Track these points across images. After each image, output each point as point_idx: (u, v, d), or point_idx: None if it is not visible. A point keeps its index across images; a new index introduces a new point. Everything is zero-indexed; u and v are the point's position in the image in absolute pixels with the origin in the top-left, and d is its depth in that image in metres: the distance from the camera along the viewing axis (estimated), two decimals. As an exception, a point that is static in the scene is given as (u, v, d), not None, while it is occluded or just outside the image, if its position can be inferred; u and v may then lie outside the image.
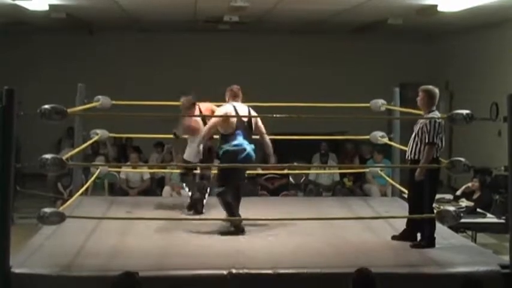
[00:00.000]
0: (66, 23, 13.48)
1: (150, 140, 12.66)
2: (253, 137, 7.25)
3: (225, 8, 11.78)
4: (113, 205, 8.33)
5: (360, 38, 15.89)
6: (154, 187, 11.97)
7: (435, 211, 6.30)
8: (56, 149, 13.47)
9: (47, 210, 5.66)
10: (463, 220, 6.42)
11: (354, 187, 11.98)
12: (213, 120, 7.23)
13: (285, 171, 11.65)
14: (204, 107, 7.88)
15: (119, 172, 11.51)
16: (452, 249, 6.26)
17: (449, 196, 9.73)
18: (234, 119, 7.06)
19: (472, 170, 6.26)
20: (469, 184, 9.91)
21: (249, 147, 7.10)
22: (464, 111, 5.88)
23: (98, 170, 9.43)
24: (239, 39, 15.99)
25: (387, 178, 9.59)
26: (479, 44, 14.47)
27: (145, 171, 11.62)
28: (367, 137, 9.54)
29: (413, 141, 6.49)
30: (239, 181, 7.33)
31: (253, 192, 11.59)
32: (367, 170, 11.12)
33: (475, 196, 9.74)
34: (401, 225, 7.02)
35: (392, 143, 9.08)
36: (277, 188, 11.77)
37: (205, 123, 7.49)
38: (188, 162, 7.79)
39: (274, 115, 7.04)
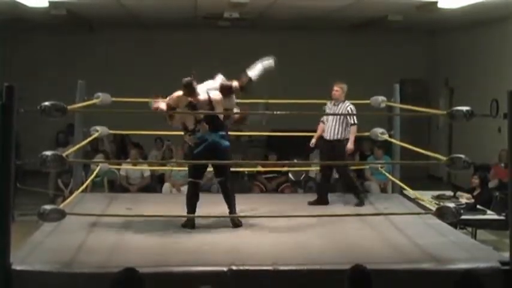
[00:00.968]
0: (66, 19, 13.47)
1: (150, 136, 12.67)
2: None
3: (225, 4, 11.78)
4: (113, 202, 8.34)
5: (360, 34, 15.89)
6: (154, 184, 11.97)
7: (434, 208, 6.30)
8: (54, 145, 13.46)
9: (47, 207, 5.67)
10: (463, 217, 6.44)
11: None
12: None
13: (285, 169, 11.66)
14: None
15: (118, 169, 11.52)
16: (452, 246, 6.26)
17: (450, 193, 9.74)
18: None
19: (472, 166, 6.26)
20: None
21: (213, 136, 7.05)
22: (465, 108, 5.88)
23: (98, 167, 9.43)
24: (239, 36, 15.99)
25: (387, 174, 9.59)
26: (479, 41, 14.47)
27: (146, 168, 11.63)
28: (367, 133, 9.54)
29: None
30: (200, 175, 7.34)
31: (249, 189, 11.63)
32: (367, 166, 11.13)
33: (475, 193, 9.75)
34: (401, 220, 7.04)
35: (392, 140, 9.08)
36: (277, 187, 11.78)
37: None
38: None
39: (274, 112, 7.04)
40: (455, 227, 7.66)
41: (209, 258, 5.74)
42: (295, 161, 11.85)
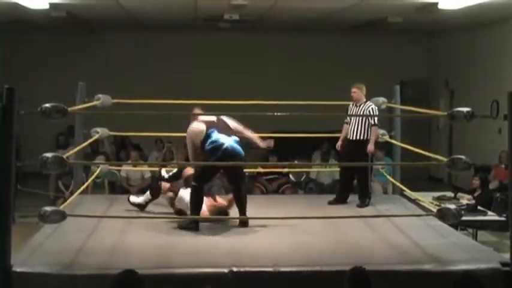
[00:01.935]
0: (67, 21, 13.48)
1: (151, 138, 12.68)
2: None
3: (225, 6, 11.79)
4: (113, 203, 8.33)
5: (360, 36, 15.90)
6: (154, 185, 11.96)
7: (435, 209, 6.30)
8: (55, 147, 13.47)
9: (48, 208, 5.66)
10: (463, 218, 6.43)
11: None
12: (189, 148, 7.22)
13: (286, 170, 11.66)
14: None
15: (119, 170, 11.52)
16: (453, 247, 6.26)
17: (450, 194, 9.73)
18: (203, 128, 7.03)
19: (473, 167, 6.26)
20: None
21: (229, 140, 6.99)
22: (465, 109, 5.87)
23: (99, 169, 9.43)
24: (240, 38, 16.00)
25: (388, 176, 9.59)
26: (480, 42, 14.47)
27: (146, 170, 11.63)
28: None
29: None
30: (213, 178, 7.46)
31: (249, 191, 11.62)
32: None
33: (476, 194, 9.75)
34: (402, 222, 7.03)
35: (393, 141, 9.08)
36: (277, 188, 11.78)
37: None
38: None
39: (275, 113, 7.03)
40: (456, 228, 7.66)
41: (210, 259, 5.74)
42: (296, 162, 11.85)
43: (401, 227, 6.88)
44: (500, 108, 5.99)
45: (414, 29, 15.29)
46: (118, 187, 11.62)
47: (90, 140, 8.79)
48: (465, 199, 9.40)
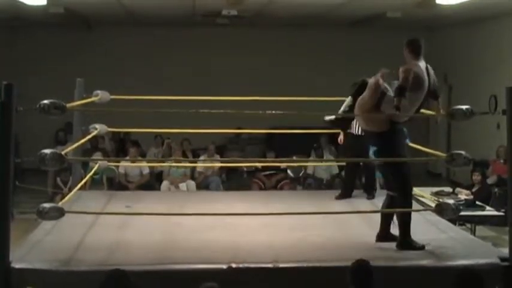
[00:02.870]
0: (64, 17, 13.46)
1: (149, 134, 12.68)
2: None
3: (223, 2, 11.79)
4: (112, 199, 8.32)
5: (359, 31, 15.89)
6: (153, 181, 11.98)
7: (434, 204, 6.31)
8: (53, 143, 13.46)
9: (46, 205, 5.65)
10: (462, 213, 6.44)
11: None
12: None
13: (284, 165, 11.67)
14: None
15: (117, 167, 11.52)
16: (452, 242, 6.26)
17: (449, 189, 9.74)
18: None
19: (472, 163, 6.26)
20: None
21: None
22: (464, 107, 5.87)
23: (97, 165, 9.43)
24: (238, 33, 15.99)
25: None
26: (478, 37, 14.47)
27: (144, 166, 11.63)
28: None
29: None
30: None
31: (248, 187, 11.64)
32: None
33: (474, 189, 9.76)
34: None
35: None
36: (276, 184, 11.79)
37: None
38: None
39: (273, 111, 7.03)
40: (455, 223, 7.66)
41: (209, 255, 5.73)
42: (294, 158, 11.86)
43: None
44: (499, 103, 5.99)
45: (413, 24, 15.27)
46: (116, 183, 11.62)
47: (88, 136, 8.78)
48: (463, 194, 9.41)
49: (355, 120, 8.46)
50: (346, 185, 8.79)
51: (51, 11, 12.37)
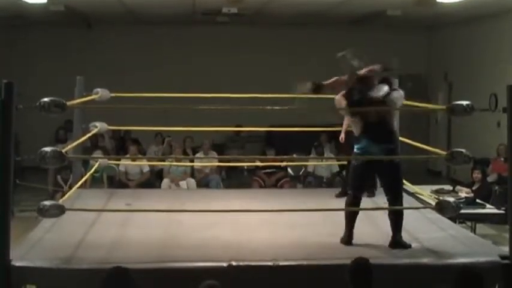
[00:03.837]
0: (65, 16, 13.46)
1: (150, 132, 12.67)
2: None
3: (224, 0, 11.79)
4: (112, 197, 8.33)
5: (359, 29, 15.87)
6: (153, 179, 11.98)
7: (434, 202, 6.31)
8: (54, 141, 13.46)
9: (47, 203, 5.65)
10: (462, 211, 6.43)
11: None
12: None
13: (284, 163, 11.66)
14: None
15: (117, 165, 11.52)
16: (452, 240, 6.26)
17: (449, 187, 9.74)
18: None
19: (472, 161, 6.26)
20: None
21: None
22: (464, 102, 5.87)
23: (97, 163, 9.43)
24: (238, 31, 15.98)
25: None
26: (479, 35, 14.47)
27: (145, 164, 11.63)
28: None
29: None
30: None
31: (249, 185, 11.63)
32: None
33: (475, 187, 9.76)
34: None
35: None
36: (276, 182, 11.78)
37: None
38: None
39: (273, 107, 7.03)
40: (455, 221, 7.66)
41: (209, 253, 5.73)
42: (294, 156, 11.85)
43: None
44: (499, 101, 5.99)
45: (413, 22, 15.28)
46: (117, 181, 11.62)
47: (88, 134, 8.78)
48: (464, 192, 9.41)
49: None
50: (346, 183, 8.79)
51: (52, 9, 12.37)
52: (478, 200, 8.98)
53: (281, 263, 5.46)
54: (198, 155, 12.30)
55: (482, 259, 5.57)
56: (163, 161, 11.71)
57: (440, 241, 6.20)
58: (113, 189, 10.19)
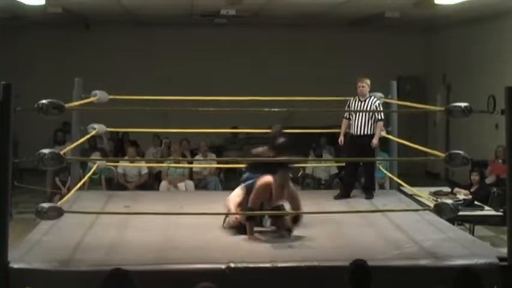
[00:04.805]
0: (63, 17, 13.44)
1: (148, 134, 12.67)
2: None
3: (222, 1, 11.78)
4: (110, 199, 8.33)
5: (357, 31, 15.88)
6: (151, 181, 11.96)
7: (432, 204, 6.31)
8: (52, 143, 13.45)
9: (45, 205, 5.66)
10: (460, 213, 6.44)
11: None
12: None
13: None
14: None
15: (116, 167, 11.50)
16: (450, 242, 6.27)
17: (447, 189, 9.74)
18: None
19: (470, 163, 6.27)
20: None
21: None
22: (463, 104, 5.88)
23: (96, 165, 9.42)
24: (236, 33, 15.97)
25: (385, 171, 9.58)
26: (477, 37, 14.47)
27: (143, 166, 11.62)
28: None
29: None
30: None
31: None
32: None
33: (473, 189, 9.76)
34: (399, 217, 7.04)
35: (390, 136, 9.08)
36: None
37: None
38: None
39: (272, 109, 7.03)
40: (453, 223, 7.67)
41: (207, 255, 5.74)
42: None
43: (399, 222, 6.89)
44: (497, 103, 5.99)
45: (411, 24, 15.28)
46: (115, 183, 11.61)
47: (87, 136, 8.78)
48: (462, 194, 9.40)
49: (355, 121, 8.49)
50: (345, 185, 8.81)
51: (50, 11, 12.36)
52: (476, 202, 8.97)
53: (279, 265, 5.46)
54: (196, 157, 12.30)
55: (480, 261, 5.57)
56: (162, 162, 11.70)
57: (439, 243, 6.20)
58: (111, 191, 10.18)
